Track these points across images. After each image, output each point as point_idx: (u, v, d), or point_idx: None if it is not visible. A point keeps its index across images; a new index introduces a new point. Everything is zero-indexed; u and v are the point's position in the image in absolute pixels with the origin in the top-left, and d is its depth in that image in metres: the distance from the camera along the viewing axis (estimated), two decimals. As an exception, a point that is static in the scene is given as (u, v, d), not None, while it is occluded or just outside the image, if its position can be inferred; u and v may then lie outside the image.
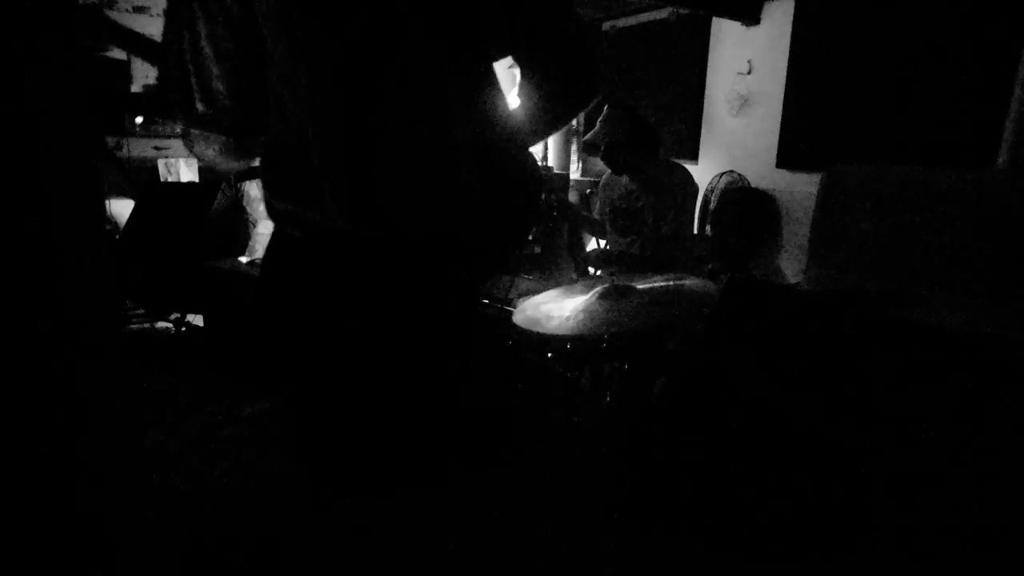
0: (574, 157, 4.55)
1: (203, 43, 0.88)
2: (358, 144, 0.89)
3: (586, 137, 2.42)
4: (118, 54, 3.54)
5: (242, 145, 0.97)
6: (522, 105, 1.02)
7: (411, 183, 0.92)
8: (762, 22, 3.49)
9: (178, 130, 0.95)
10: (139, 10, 3.77)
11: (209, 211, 3.06)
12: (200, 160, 0.98)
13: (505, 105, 1.00)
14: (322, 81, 0.87)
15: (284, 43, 0.87)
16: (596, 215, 2.70)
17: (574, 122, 4.06)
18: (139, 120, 3.61)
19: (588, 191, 3.99)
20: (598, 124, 2.36)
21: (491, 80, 0.98)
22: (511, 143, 1.02)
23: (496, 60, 1.00)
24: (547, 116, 1.05)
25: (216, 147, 0.96)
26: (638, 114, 2.33)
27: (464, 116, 0.95)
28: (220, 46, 0.88)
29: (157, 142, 3.74)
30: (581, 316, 1.57)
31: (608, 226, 2.56)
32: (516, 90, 1.04)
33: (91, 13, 1.08)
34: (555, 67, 0.99)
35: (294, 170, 0.92)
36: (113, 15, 3.64)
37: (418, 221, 0.94)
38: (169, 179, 3.76)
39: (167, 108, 0.93)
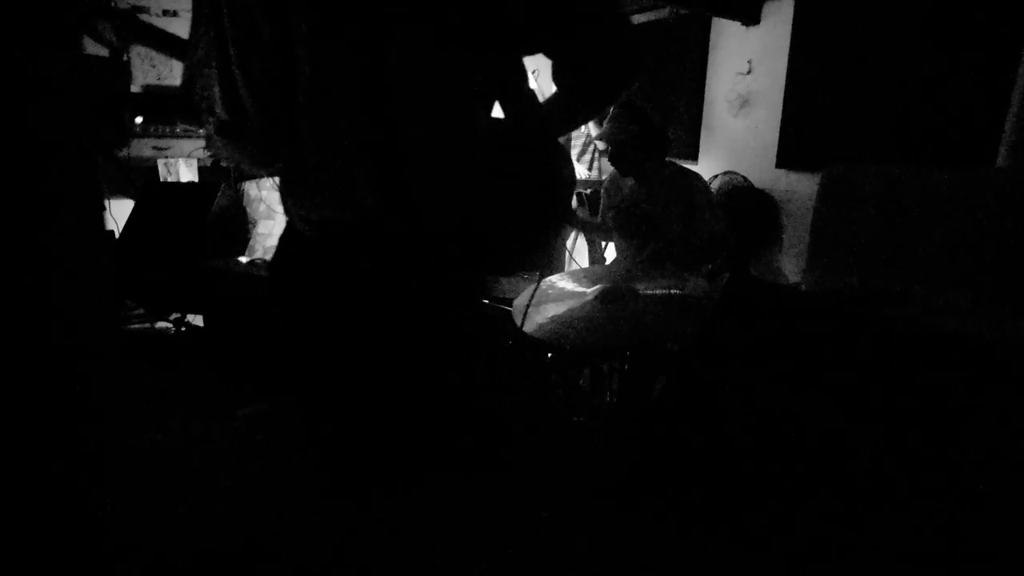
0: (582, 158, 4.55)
1: (229, 50, 0.87)
2: (386, 141, 0.89)
3: (595, 134, 2.41)
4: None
5: (270, 151, 0.97)
6: (559, 95, 1.01)
7: (437, 178, 0.92)
8: (762, 22, 3.49)
9: (201, 132, 0.95)
10: (137, 11, 3.76)
11: (209, 211, 3.06)
12: (228, 163, 0.98)
13: (534, 98, 1.00)
14: (352, 81, 0.87)
15: (312, 46, 0.87)
16: (599, 217, 2.69)
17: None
18: (139, 120, 3.60)
19: (589, 191, 3.98)
20: (605, 123, 2.34)
21: (520, 74, 0.98)
22: (538, 138, 1.02)
23: (530, 54, 1.00)
24: (586, 107, 1.04)
25: (243, 153, 0.96)
26: (647, 116, 2.30)
27: (487, 114, 0.95)
28: (245, 54, 0.87)
29: (157, 142, 3.74)
30: (580, 324, 1.57)
31: (614, 228, 2.56)
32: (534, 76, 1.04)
33: (123, 16, 1.09)
34: (598, 56, 0.96)
35: (328, 173, 0.92)
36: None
37: (443, 215, 0.94)
38: (169, 179, 3.76)
39: (192, 114, 0.93)
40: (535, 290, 1.57)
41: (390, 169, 0.90)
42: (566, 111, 1.02)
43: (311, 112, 0.90)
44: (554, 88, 1.02)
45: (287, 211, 0.99)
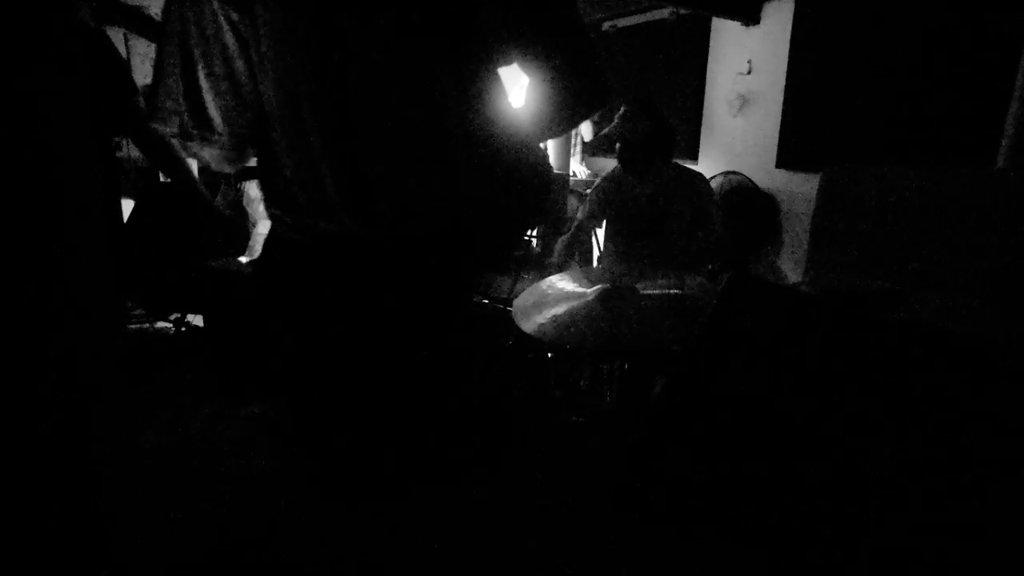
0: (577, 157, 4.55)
1: (195, 58, 0.87)
2: (357, 150, 0.89)
3: (603, 131, 2.38)
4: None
5: (233, 157, 0.97)
6: (529, 107, 1.02)
7: (409, 186, 0.92)
8: (762, 22, 3.49)
9: (174, 131, 0.95)
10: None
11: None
12: (198, 161, 0.99)
13: (507, 106, 1.00)
14: (320, 90, 0.87)
15: (280, 54, 0.87)
16: (584, 214, 2.60)
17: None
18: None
19: (588, 191, 3.98)
20: (616, 120, 2.32)
21: (492, 82, 0.98)
22: (512, 143, 1.02)
23: (502, 66, 1.00)
24: (554, 123, 1.04)
25: (210, 153, 0.96)
26: (661, 114, 2.30)
27: (462, 119, 0.95)
28: (212, 62, 0.88)
29: (157, 142, 3.73)
30: (580, 324, 1.57)
31: (611, 228, 2.54)
32: (520, 88, 1.03)
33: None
34: (569, 78, 0.98)
35: (301, 182, 0.92)
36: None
37: (417, 220, 0.94)
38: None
39: (158, 117, 0.93)
40: (513, 286, 1.56)
41: (361, 180, 0.90)
42: (535, 122, 1.03)
43: (282, 124, 0.90)
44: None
45: (270, 216, 0.99)
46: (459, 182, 0.95)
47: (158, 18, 1.15)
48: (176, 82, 0.89)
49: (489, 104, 0.97)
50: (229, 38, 0.86)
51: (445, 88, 0.92)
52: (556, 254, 2.41)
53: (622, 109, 2.31)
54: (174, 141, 0.94)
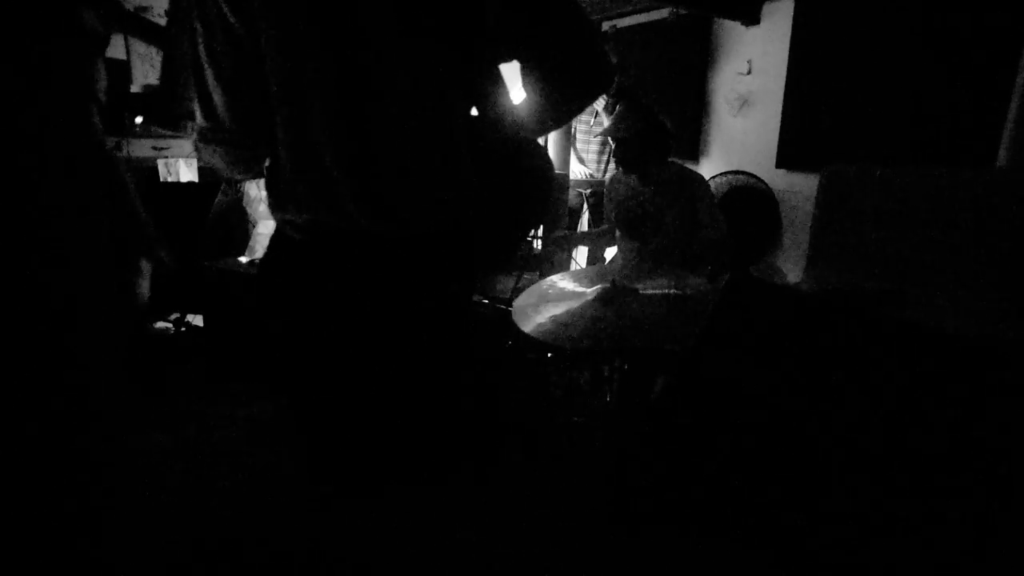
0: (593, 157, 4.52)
1: (202, 57, 0.87)
2: (365, 145, 0.89)
3: (601, 130, 2.41)
4: (119, 54, 3.54)
5: (247, 157, 0.97)
6: (529, 100, 1.01)
7: (415, 181, 0.92)
8: (762, 22, 3.49)
9: (191, 135, 0.95)
10: (140, 10, 3.77)
11: (209, 211, 3.06)
12: (211, 167, 0.98)
13: (509, 101, 1.00)
14: (325, 87, 0.87)
15: (284, 52, 0.87)
16: (604, 220, 2.68)
17: (573, 123, 4.04)
18: (139, 120, 3.60)
19: (590, 191, 3.98)
20: (611, 119, 2.34)
21: (495, 78, 0.98)
22: (516, 142, 1.02)
23: (504, 62, 1.00)
24: (556, 112, 1.04)
25: (219, 158, 0.96)
26: (652, 113, 2.30)
27: (466, 115, 0.95)
28: (219, 60, 0.88)
29: (157, 142, 3.73)
30: (580, 324, 1.58)
31: (617, 227, 2.55)
32: (520, 83, 1.03)
33: (108, 3, 1.07)
34: (569, 66, 0.98)
35: (307, 179, 0.92)
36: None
37: (423, 217, 0.94)
38: (169, 179, 3.76)
39: (170, 120, 0.93)
40: (515, 285, 1.57)
41: (368, 174, 0.90)
42: (536, 115, 1.02)
43: (285, 120, 0.90)
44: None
45: (274, 216, 0.99)
46: (462, 182, 0.95)
47: (160, 20, 1.15)
48: (187, 82, 0.89)
49: (492, 103, 0.98)
50: (234, 37, 0.86)
51: (451, 88, 0.92)
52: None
53: (619, 107, 2.33)
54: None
